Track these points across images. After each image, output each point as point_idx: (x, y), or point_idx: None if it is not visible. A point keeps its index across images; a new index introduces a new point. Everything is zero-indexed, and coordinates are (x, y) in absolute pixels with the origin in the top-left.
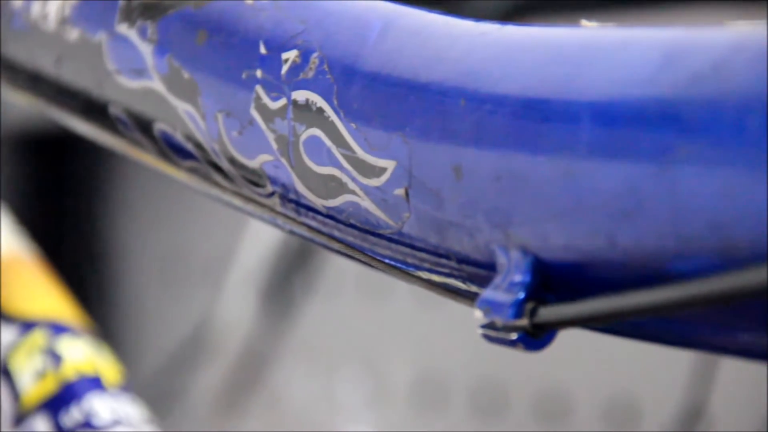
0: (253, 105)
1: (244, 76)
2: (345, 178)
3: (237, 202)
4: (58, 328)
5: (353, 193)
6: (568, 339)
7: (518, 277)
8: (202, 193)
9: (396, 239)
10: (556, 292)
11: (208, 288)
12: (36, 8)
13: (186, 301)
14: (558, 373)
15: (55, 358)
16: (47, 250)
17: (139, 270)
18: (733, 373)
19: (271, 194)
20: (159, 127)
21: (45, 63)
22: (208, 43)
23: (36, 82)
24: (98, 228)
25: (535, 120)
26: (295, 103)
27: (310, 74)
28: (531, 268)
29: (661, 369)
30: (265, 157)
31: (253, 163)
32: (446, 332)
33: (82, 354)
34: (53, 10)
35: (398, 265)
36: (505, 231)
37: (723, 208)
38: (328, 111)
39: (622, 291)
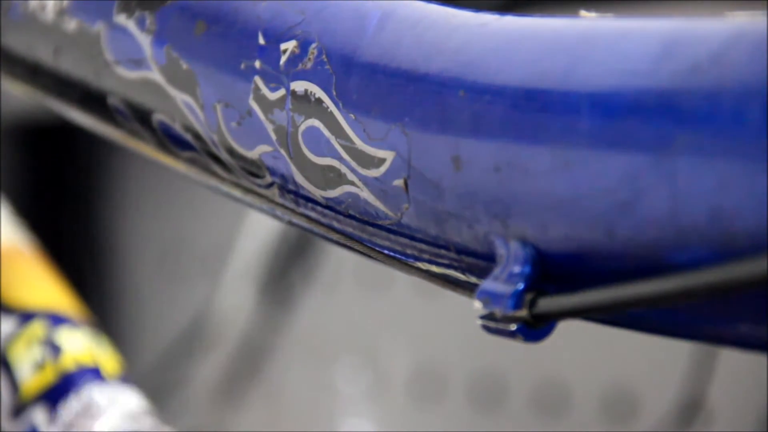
0: (251, 96)
1: (242, 66)
2: (344, 169)
3: (236, 192)
4: (57, 319)
5: (352, 183)
6: (567, 330)
7: (517, 268)
8: (201, 184)
9: (395, 230)
10: (556, 283)
11: (207, 279)
12: None
13: (185, 292)
14: (556, 365)
15: (54, 348)
16: (46, 241)
17: (137, 261)
18: (733, 365)
19: (270, 185)
20: (157, 117)
21: (43, 54)
22: (207, 34)
23: (35, 73)
24: (97, 219)
25: (534, 111)
26: (293, 93)
27: (309, 65)
28: (530, 259)
29: (660, 360)
30: (263, 148)
31: (252, 154)
32: (445, 323)
33: (81, 345)
34: (51, 1)
35: (397, 256)
36: (504, 222)
37: (722, 199)
38: (327, 102)
39: (621, 282)
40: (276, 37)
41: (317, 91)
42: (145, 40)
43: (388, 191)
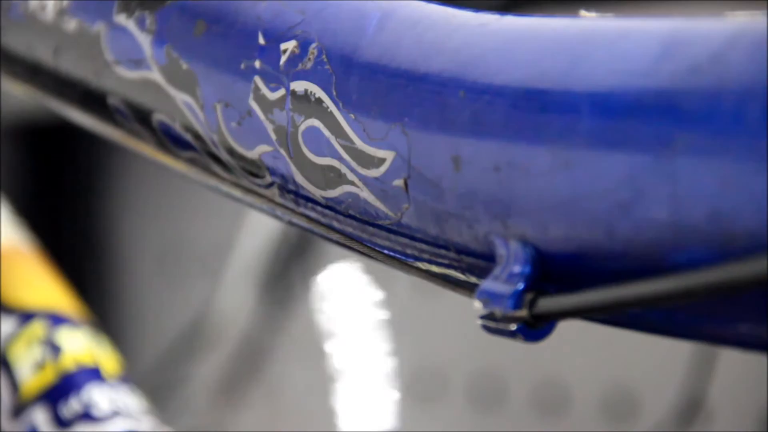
0: (251, 96)
1: (242, 66)
2: (344, 169)
3: (236, 192)
4: (57, 319)
5: (352, 183)
6: (567, 330)
7: (517, 268)
8: (201, 184)
9: (395, 230)
10: (556, 283)
11: (207, 279)
12: None
13: (185, 292)
14: (556, 365)
15: (54, 348)
16: (46, 241)
17: (137, 261)
18: (733, 365)
19: (270, 185)
20: (157, 117)
21: (43, 54)
22: (207, 34)
23: (34, 73)
24: (97, 219)
25: (534, 110)
26: (293, 93)
27: (309, 65)
28: (530, 259)
29: (660, 360)
30: (263, 148)
31: (252, 154)
32: (445, 323)
33: (81, 345)
34: (51, 1)
35: (397, 256)
36: (504, 222)
37: (722, 199)
38: (327, 102)
39: (621, 282)
40: (276, 37)
41: (317, 91)
42: (145, 40)
43: (388, 191)
